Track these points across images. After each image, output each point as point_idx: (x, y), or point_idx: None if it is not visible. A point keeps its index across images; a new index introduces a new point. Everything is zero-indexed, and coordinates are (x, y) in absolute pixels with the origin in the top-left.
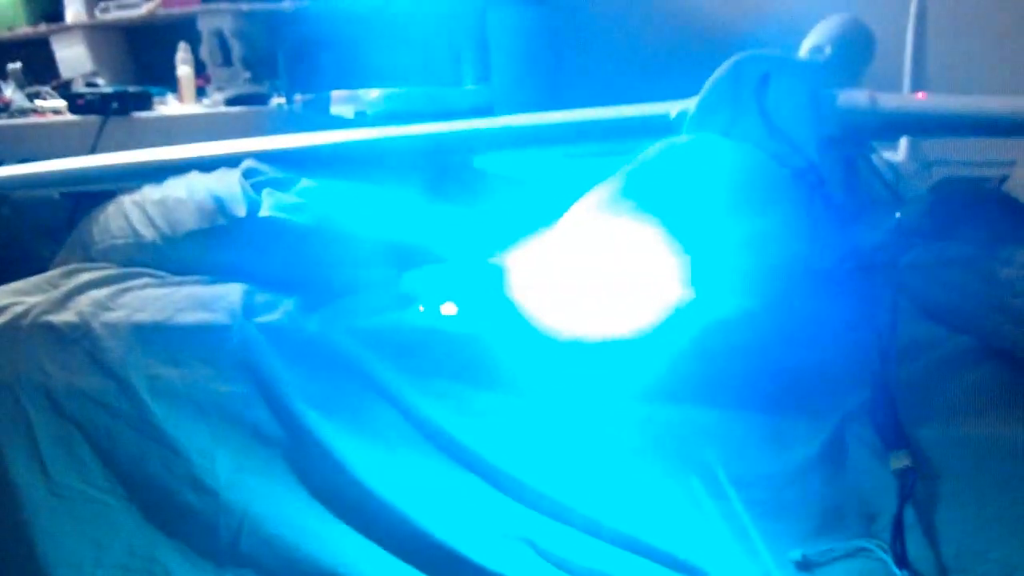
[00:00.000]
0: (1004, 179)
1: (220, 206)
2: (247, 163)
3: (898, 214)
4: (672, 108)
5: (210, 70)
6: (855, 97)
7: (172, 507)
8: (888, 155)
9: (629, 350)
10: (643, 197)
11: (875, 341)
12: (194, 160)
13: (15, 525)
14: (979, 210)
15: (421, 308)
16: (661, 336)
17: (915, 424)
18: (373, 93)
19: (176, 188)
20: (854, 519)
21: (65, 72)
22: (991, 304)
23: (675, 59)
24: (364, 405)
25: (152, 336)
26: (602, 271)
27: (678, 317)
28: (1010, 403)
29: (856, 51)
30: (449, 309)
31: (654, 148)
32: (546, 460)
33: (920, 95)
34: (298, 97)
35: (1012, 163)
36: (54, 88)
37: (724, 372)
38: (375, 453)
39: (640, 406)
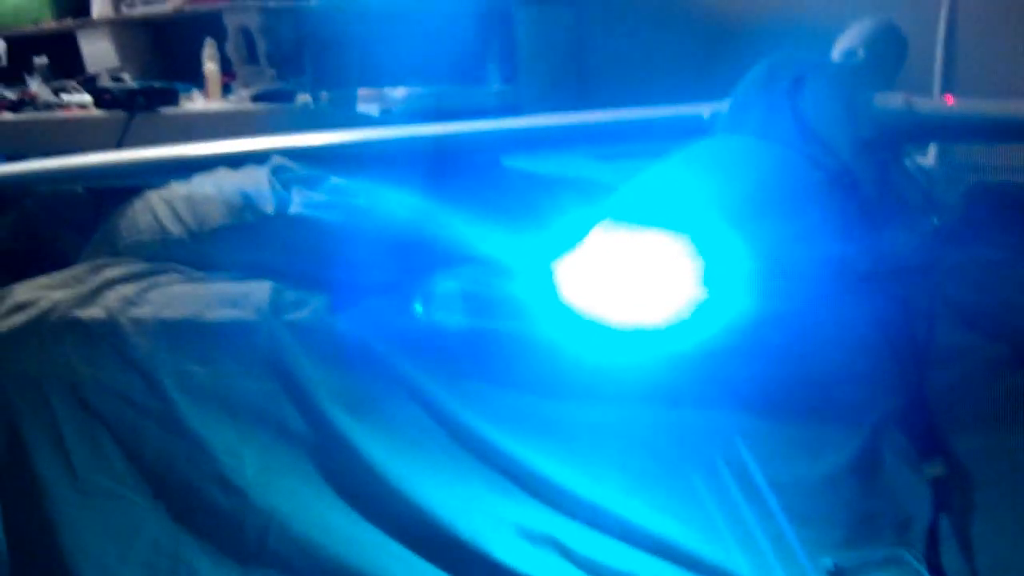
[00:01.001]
0: None
1: (248, 203)
2: (275, 160)
3: (936, 220)
4: (706, 109)
5: (236, 67)
6: (891, 100)
7: (198, 505)
8: (920, 159)
9: (661, 351)
10: (673, 198)
11: (910, 347)
12: (222, 156)
13: (40, 521)
14: (1014, 215)
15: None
16: (693, 338)
17: (950, 432)
18: (399, 91)
19: (204, 184)
20: (887, 527)
21: (90, 67)
22: None
23: (704, 60)
24: (392, 405)
25: (180, 333)
26: (631, 273)
27: (708, 319)
28: None
29: (889, 54)
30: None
31: (686, 148)
32: (575, 462)
33: (948, 98)
34: (324, 95)
35: None
36: (80, 83)
37: (758, 377)
38: (403, 453)
39: (672, 410)
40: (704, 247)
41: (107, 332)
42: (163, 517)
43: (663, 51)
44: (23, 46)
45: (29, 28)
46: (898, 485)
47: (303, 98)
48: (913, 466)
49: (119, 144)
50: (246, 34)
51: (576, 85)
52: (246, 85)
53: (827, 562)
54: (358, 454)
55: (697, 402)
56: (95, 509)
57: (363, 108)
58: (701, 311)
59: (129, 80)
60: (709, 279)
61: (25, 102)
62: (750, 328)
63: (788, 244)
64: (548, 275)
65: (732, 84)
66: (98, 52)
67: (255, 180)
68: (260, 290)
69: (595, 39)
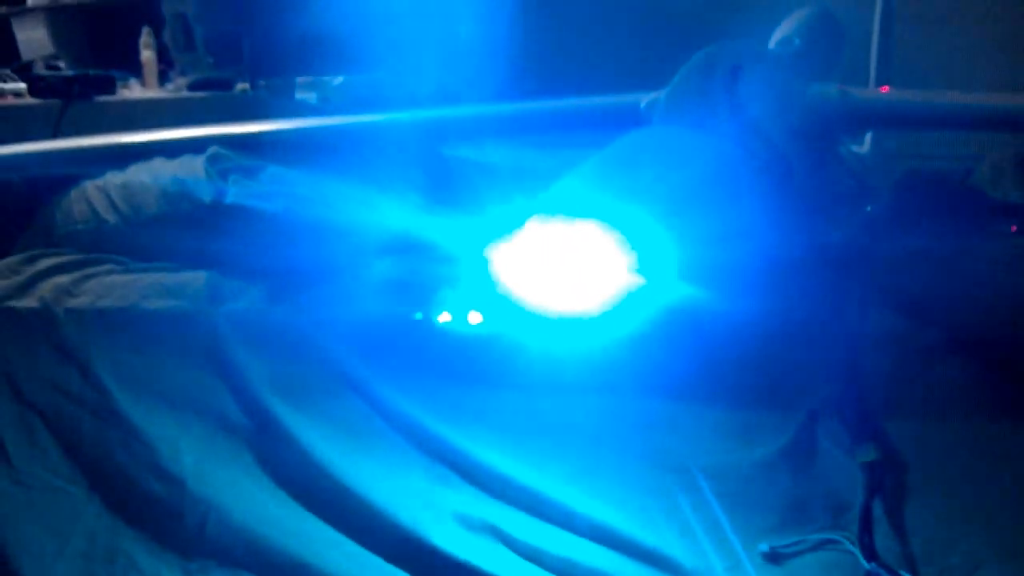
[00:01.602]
0: (969, 172)
1: (185, 191)
2: (213, 149)
3: (869, 208)
4: (643, 99)
5: (173, 55)
6: (825, 90)
7: (137, 497)
8: (855, 147)
9: (593, 338)
10: (608, 189)
11: (843, 334)
12: (158, 144)
13: None
14: (945, 203)
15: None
16: (623, 326)
17: (883, 418)
18: (337, 79)
19: (140, 173)
20: (821, 511)
21: (25, 54)
22: (959, 296)
23: (646, 48)
24: (331, 394)
25: (116, 323)
26: (563, 263)
27: (638, 307)
28: (978, 397)
29: (825, 42)
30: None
31: (621, 140)
32: (514, 450)
33: (884, 89)
34: (262, 83)
35: (977, 157)
36: (14, 71)
37: (693, 364)
38: (342, 442)
39: (608, 398)
40: (634, 239)
41: (42, 322)
42: (100, 509)
43: (604, 40)
44: None
45: None
46: (832, 470)
47: (241, 86)
48: (847, 451)
49: (55, 133)
50: (183, 21)
51: (516, 75)
52: (183, 73)
53: (763, 546)
54: (297, 443)
55: (633, 390)
56: (32, 501)
57: (301, 96)
58: (631, 300)
59: (65, 68)
60: (639, 269)
61: None
62: (684, 316)
63: (721, 234)
64: (484, 263)
65: (672, 73)
66: (33, 39)
67: (192, 169)
68: (197, 280)
69: (535, 28)
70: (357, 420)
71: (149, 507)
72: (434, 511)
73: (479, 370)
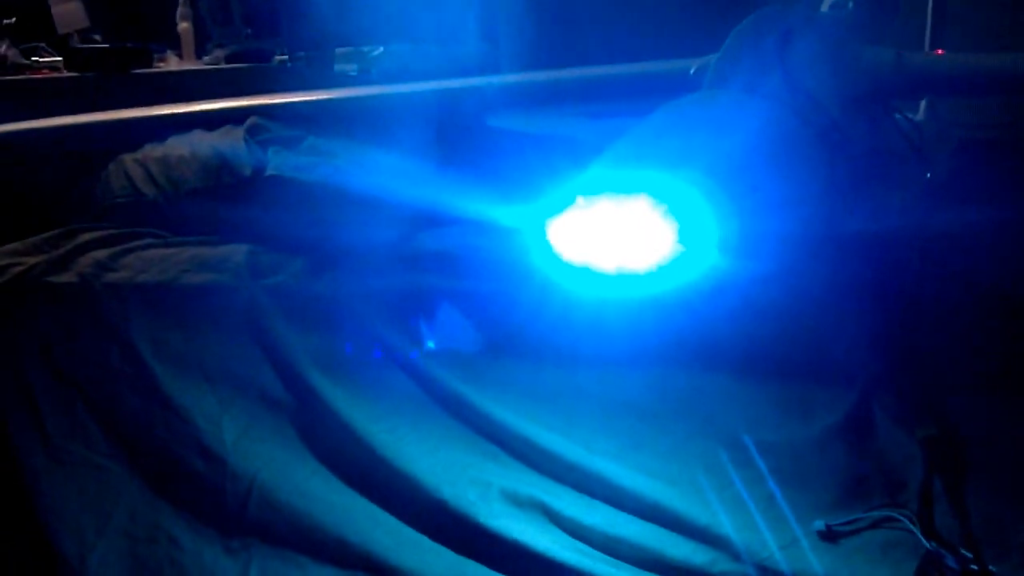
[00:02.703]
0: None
1: (224, 164)
2: (252, 120)
3: (928, 175)
4: (692, 64)
5: (210, 26)
6: (881, 55)
7: (177, 473)
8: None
9: (644, 312)
10: (656, 158)
11: (900, 308)
12: (197, 115)
13: (15, 490)
14: (1003, 174)
15: None
16: (676, 298)
17: (942, 393)
18: (377, 50)
19: (179, 146)
20: (879, 489)
21: (60, 27)
22: (1016, 269)
23: (691, 16)
24: (373, 369)
25: (156, 297)
26: (613, 233)
27: (691, 278)
28: None
29: (879, 5)
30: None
31: (671, 105)
32: (562, 426)
33: (939, 52)
34: (301, 54)
35: None
36: (51, 44)
37: (747, 338)
38: (385, 418)
39: (659, 372)
40: (683, 210)
41: (81, 297)
42: (141, 486)
43: (649, 9)
44: None
45: None
46: (889, 446)
47: (279, 58)
48: (905, 427)
49: (92, 106)
50: None
51: (559, 45)
52: (221, 45)
53: (819, 524)
54: (339, 418)
55: (685, 364)
56: (71, 479)
57: (340, 68)
58: (681, 271)
59: (101, 42)
60: (689, 240)
61: None
62: (736, 288)
63: (774, 202)
64: (541, 234)
65: (719, 41)
66: (68, 13)
67: (231, 141)
68: (237, 253)
69: None
70: (400, 394)
71: (190, 484)
72: (480, 487)
73: (525, 343)
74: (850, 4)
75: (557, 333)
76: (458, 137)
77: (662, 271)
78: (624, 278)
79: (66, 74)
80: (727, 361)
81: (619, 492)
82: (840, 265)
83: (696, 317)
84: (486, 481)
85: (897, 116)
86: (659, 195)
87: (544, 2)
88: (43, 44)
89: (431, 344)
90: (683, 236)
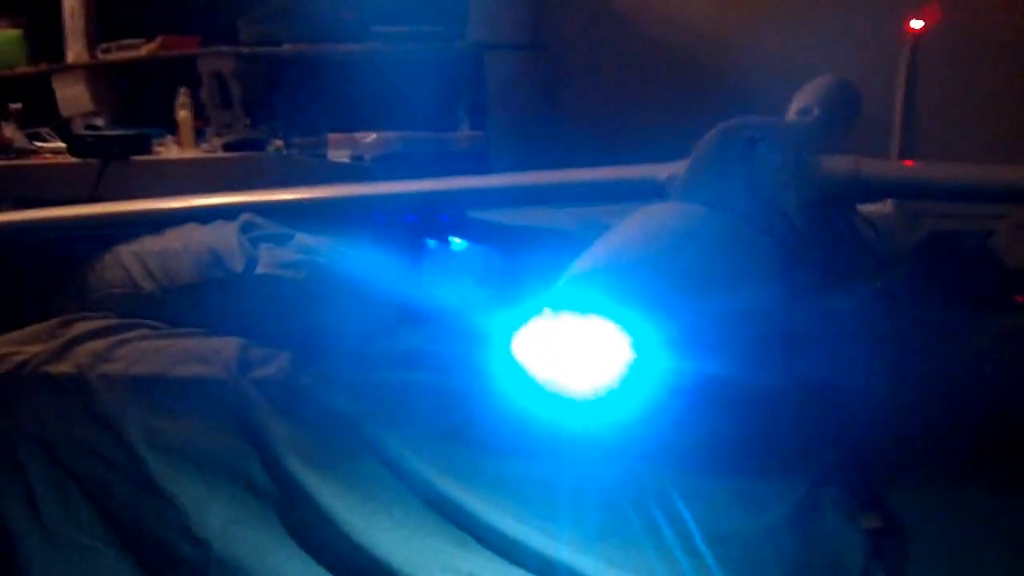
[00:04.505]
0: (990, 234)
1: (217, 260)
2: (245, 216)
3: (877, 283)
4: (662, 172)
5: (209, 111)
6: (839, 163)
7: (165, 558)
8: (877, 207)
9: (603, 416)
10: (612, 280)
11: (849, 405)
12: (192, 211)
13: (12, 572)
14: (958, 274)
15: None
16: (627, 406)
17: (888, 486)
18: (369, 137)
19: (174, 240)
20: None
21: (65, 110)
22: (963, 372)
23: (674, 106)
24: (354, 461)
25: (149, 389)
26: (570, 350)
27: (640, 390)
28: (981, 468)
29: (843, 111)
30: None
31: (637, 214)
32: (529, 516)
33: (907, 163)
34: (296, 140)
35: (998, 216)
36: (53, 128)
37: (704, 435)
38: (363, 507)
39: (619, 469)
40: (635, 328)
41: (77, 388)
42: (132, 568)
43: (630, 97)
44: None
45: (4, 72)
46: (835, 536)
47: (275, 143)
48: (851, 518)
49: (93, 193)
50: (219, 79)
51: (546, 132)
52: (219, 130)
53: None
54: (320, 508)
55: (645, 461)
56: (64, 561)
57: (333, 154)
58: (633, 382)
59: (103, 124)
60: (640, 354)
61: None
62: (696, 390)
63: (732, 308)
64: (506, 344)
65: (700, 130)
66: (72, 96)
67: (225, 237)
68: (228, 347)
69: (565, 86)
70: (378, 486)
71: (177, 569)
72: (451, 573)
73: (496, 439)
74: (816, 110)
75: (525, 432)
76: (441, 229)
77: (622, 381)
78: (584, 390)
79: (69, 159)
80: (684, 458)
81: None
82: (791, 367)
83: (656, 418)
84: (456, 567)
85: (857, 217)
86: (614, 314)
87: (532, 92)
88: (47, 129)
89: (406, 435)
90: (638, 347)
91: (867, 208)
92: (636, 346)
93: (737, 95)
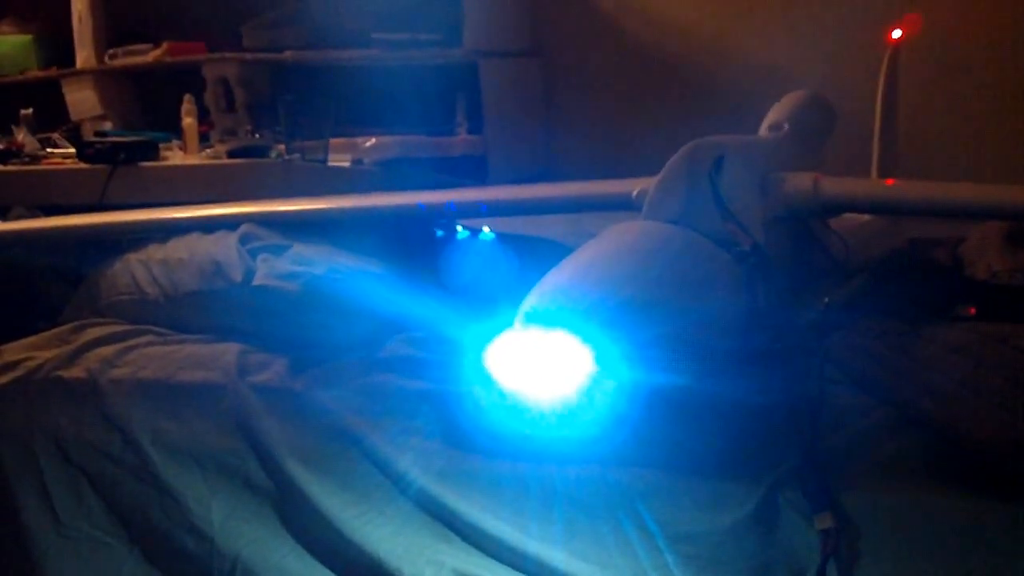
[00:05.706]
0: (960, 240)
1: (218, 269)
2: (245, 227)
3: (826, 299)
4: (635, 187)
5: (214, 116)
6: (800, 181)
7: (170, 550)
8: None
9: (574, 424)
10: (576, 297)
11: (805, 412)
12: (196, 221)
13: (26, 564)
14: (916, 285)
15: None
16: (590, 416)
17: (841, 488)
18: (369, 141)
19: (178, 249)
20: (783, 573)
21: (74, 115)
22: (911, 378)
23: (664, 112)
24: (346, 461)
25: (154, 392)
26: (536, 363)
27: (603, 402)
28: (928, 470)
29: (815, 126)
30: None
31: (606, 231)
32: (507, 514)
33: (889, 181)
34: (297, 143)
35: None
36: (63, 133)
37: (667, 441)
38: (355, 504)
39: (587, 470)
40: (597, 342)
41: (88, 392)
42: (139, 560)
43: (628, 103)
44: (9, 94)
45: (15, 77)
46: (791, 536)
47: (277, 148)
48: (807, 519)
49: (102, 198)
50: (224, 85)
51: (542, 136)
52: (223, 135)
53: None
54: (314, 505)
55: (612, 462)
56: (77, 553)
57: (334, 159)
58: (595, 393)
59: (111, 131)
60: (602, 366)
61: (12, 152)
62: (656, 399)
63: (696, 322)
64: (479, 356)
65: (693, 136)
66: (82, 100)
67: (226, 247)
68: (228, 352)
69: (561, 91)
70: (368, 483)
71: (182, 560)
72: (435, 567)
73: (478, 442)
74: (787, 125)
75: (500, 437)
76: (432, 237)
77: (585, 391)
78: (549, 400)
79: (79, 164)
80: (650, 462)
81: (554, 573)
82: (750, 377)
83: (619, 426)
84: (440, 561)
85: (823, 231)
86: (577, 328)
87: (528, 97)
88: (57, 134)
89: (395, 438)
90: (600, 360)
91: (849, 216)
92: (598, 359)
93: (732, 102)
